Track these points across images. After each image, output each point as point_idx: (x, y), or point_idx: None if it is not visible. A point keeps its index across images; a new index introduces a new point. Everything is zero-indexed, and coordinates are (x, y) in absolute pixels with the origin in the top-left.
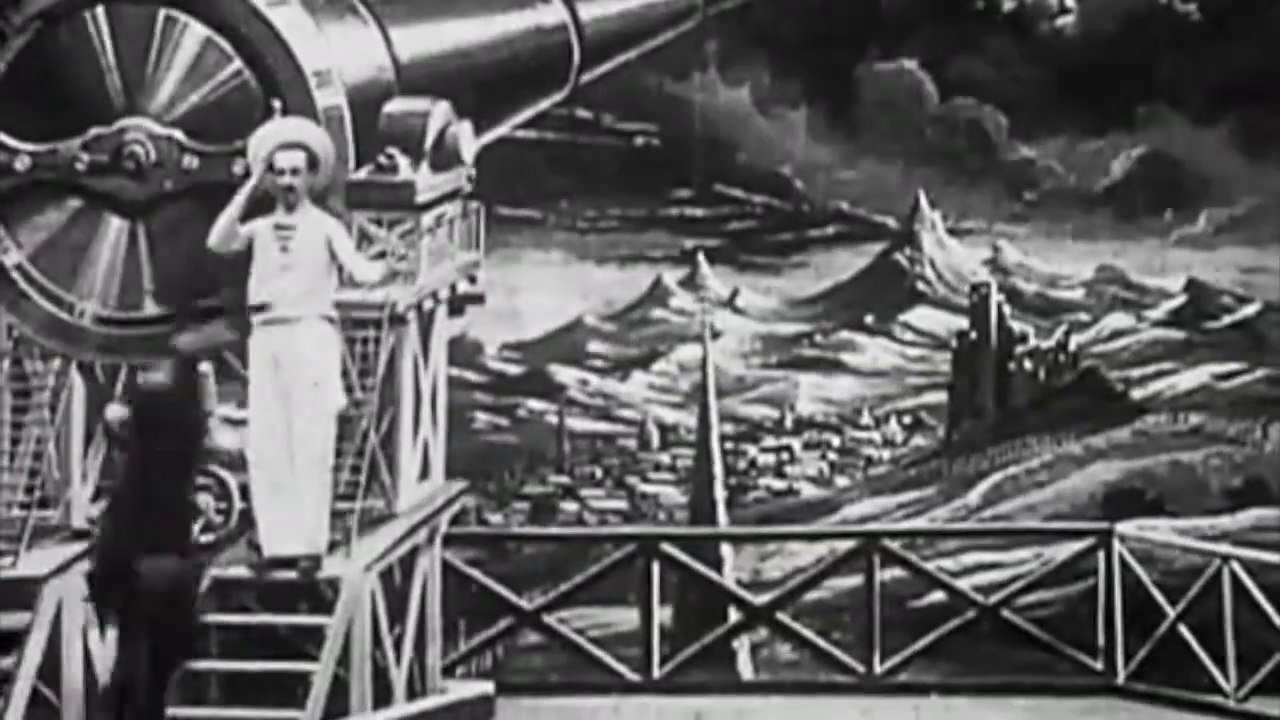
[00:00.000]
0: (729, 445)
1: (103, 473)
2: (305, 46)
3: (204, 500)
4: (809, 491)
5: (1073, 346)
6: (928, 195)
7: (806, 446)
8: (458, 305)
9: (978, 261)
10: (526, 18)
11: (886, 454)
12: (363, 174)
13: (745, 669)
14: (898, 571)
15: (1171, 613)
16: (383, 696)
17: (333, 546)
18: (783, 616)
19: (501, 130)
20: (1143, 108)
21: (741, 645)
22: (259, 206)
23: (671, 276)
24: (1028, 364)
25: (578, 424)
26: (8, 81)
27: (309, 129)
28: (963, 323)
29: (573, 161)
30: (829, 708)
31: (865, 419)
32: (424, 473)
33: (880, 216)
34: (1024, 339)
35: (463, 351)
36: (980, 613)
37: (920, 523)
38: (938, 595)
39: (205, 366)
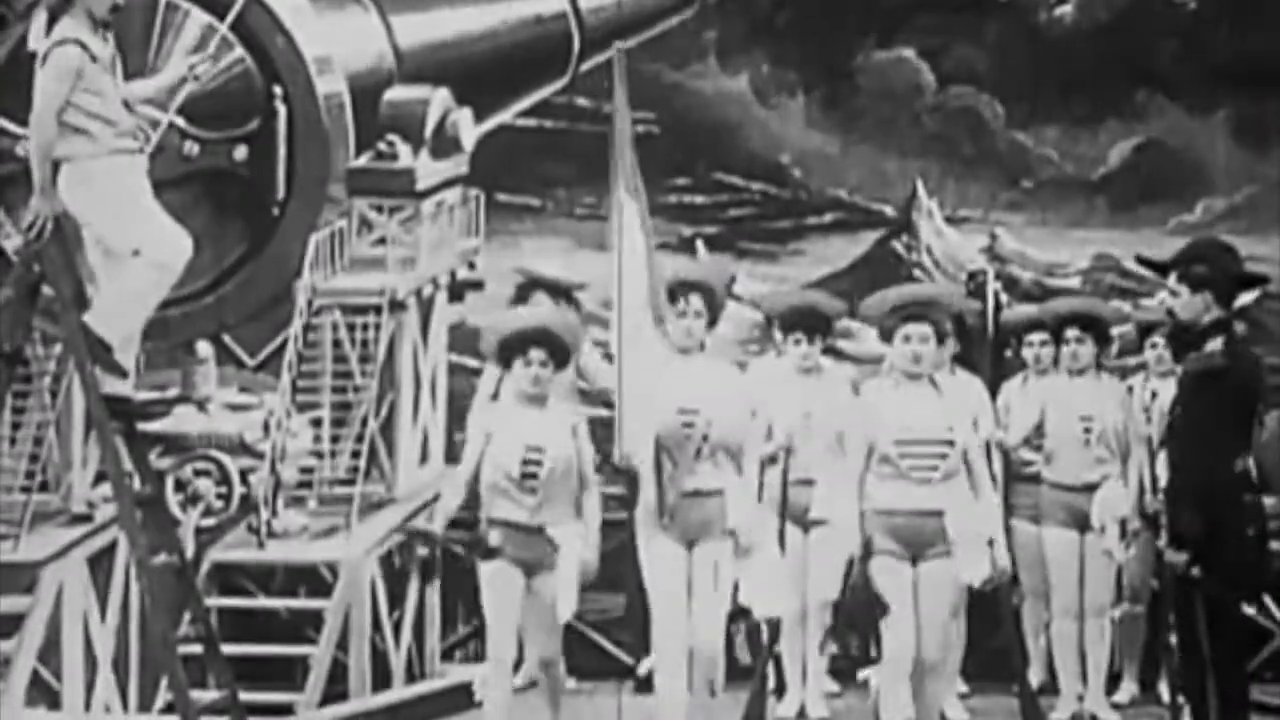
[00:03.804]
0: None
1: (102, 458)
2: (306, 34)
3: (204, 485)
4: None
5: None
6: (925, 183)
7: None
8: (457, 291)
9: (975, 249)
10: (526, 5)
11: None
12: (363, 161)
13: (742, 654)
14: None
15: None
16: (381, 680)
17: (332, 531)
18: None
19: (502, 118)
20: (1140, 96)
21: (738, 630)
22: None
23: (1173, 281)
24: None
25: None
26: (9, 67)
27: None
28: None
29: (572, 149)
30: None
31: None
32: (423, 458)
33: (877, 204)
34: None
35: (462, 338)
36: (974, 599)
37: None
38: None
39: (205, 351)
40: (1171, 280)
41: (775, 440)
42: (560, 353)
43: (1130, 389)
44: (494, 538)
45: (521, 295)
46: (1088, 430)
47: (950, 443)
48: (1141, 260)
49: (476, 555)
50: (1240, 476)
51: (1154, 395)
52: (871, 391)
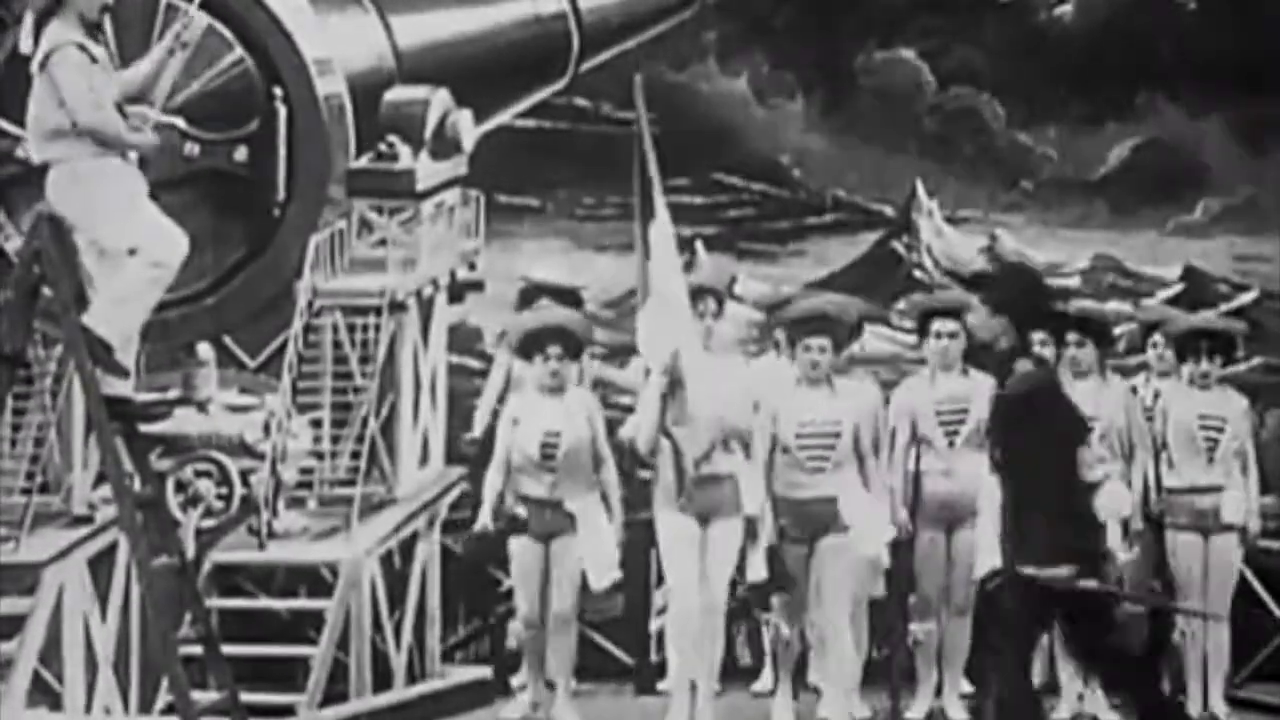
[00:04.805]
0: None
1: (102, 460)
2: (306, 34)
3: (204, 486)
4: None
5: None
6: (925, 184)
7: None
8: (457, 292)
9: (975, 249)
10: (526, 6)
11: None
12: (363, 162)
13: (742, 653)
14: None
15: None
16: (382, 680)
17: (333, 531)
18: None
19: (501, 118)
20: (1140, 97)
21: (739, 630)
22: None
23: (976, 302)
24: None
25: None
26: (8, 70)
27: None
28: None
29: (572, 149)
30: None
31: None
32: (424, 459)
33: (878, 205)
34: None
35: (462, 338)
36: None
37: None
38: None
39: (205, 353)
40: (975, 301)
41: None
42: (574, 347)
43: (1134, 389)
44: (520, 511)
45: (526, 301)
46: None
47: (838, 435)
48: (955, 276)
49: (510, 532)
50: (1089, 486)
51: (1156, 395)
52: (774, 392)
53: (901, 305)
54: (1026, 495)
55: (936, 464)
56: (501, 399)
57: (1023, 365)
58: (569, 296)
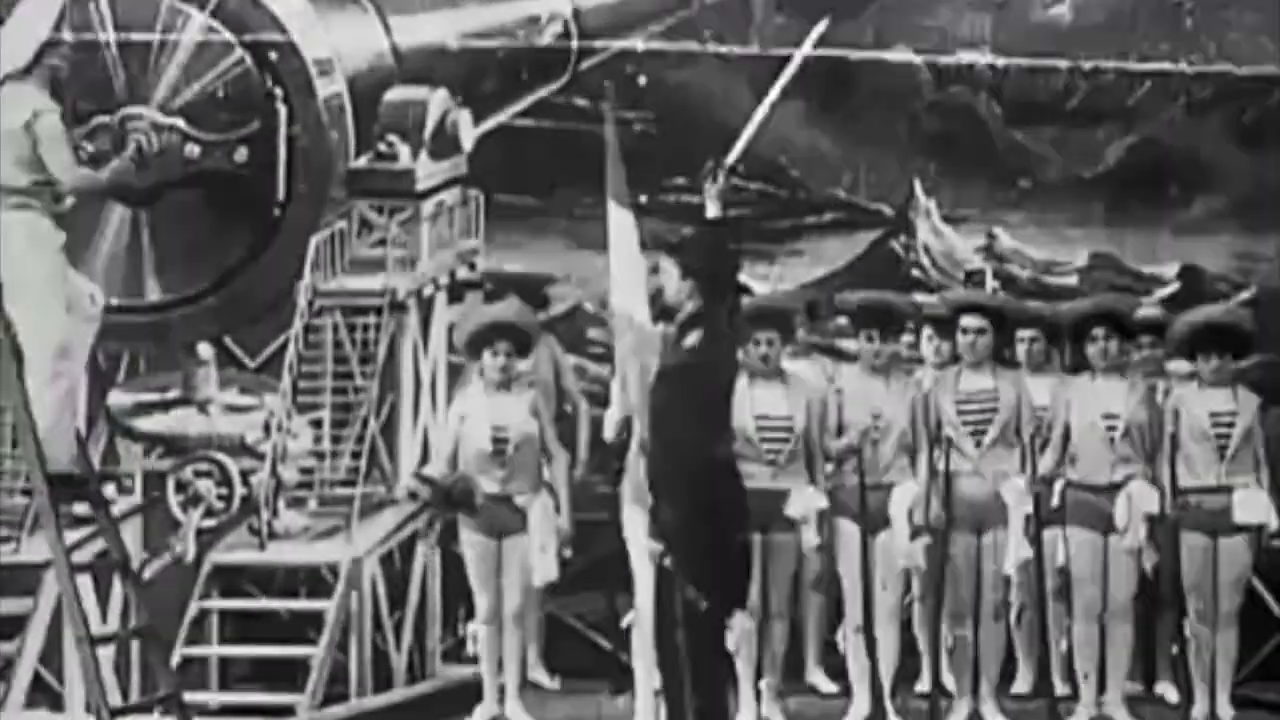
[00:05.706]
0: None
1: (103, 459)
2: (306, 35)
3: (204, 486)
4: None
5: None
6: (923, 183)
7: None
8: (457, 292)
9: (972, 249)
10: (525, 5)
11: None
12: (362, 162)
13: None
14: None
15: None
16: (382, 680)
17: (333, 531)
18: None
19: (501, 118)
20: (1139, 96)
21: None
22: None
23: (668, 263)
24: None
25: None
26: None
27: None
28: None
29: (572, 149)
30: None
31: None
32: (424, 459)
33: (875, 204)
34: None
35: None
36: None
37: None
38: None
39: (206, 353)
40: (667, 263)
41: (845, 440)
42: (523, 343)
43: (1153, 387)
44: (479, 496)
45: (494, 296)
46: (1111, 429)
47: (791, 429)
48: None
49: (463, 509)
50: (721, 464)
51: (1166, 393)
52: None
53: (933, 300)
54: (664, 466)
55: (963, 464)
56: None
57: (692, 338)
58: (537, 290)
